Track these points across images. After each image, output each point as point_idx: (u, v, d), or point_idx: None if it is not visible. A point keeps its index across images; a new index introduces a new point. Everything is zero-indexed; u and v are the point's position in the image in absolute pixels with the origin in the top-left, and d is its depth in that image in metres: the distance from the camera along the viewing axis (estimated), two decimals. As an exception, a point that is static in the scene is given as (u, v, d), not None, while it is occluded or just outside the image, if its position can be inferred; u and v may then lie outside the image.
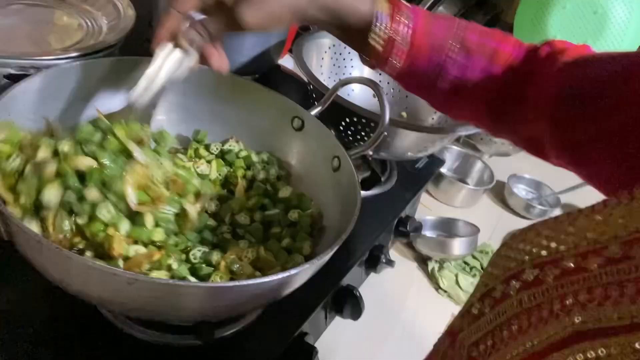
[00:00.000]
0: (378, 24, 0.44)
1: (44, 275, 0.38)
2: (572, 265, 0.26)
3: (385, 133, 0.57)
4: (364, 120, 0.68)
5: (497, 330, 0.27)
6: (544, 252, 0.28)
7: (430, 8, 1.12)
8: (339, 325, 0.69)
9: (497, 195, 1.11)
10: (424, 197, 1.02)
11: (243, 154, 0.63)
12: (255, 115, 0.64)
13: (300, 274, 0.39)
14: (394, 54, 0.45)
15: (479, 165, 1.10)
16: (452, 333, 0.31)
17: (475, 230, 0.89)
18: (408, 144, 0.73)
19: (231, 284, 0.35)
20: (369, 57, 0.47)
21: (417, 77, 0.47)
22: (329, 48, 0.88)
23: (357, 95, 0.88)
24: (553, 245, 0.28)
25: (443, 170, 1.03)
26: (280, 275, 0.36)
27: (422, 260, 0.87)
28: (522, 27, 0.90)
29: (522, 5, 0.90)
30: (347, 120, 0.70)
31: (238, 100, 0.65)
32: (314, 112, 0.61)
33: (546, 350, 0.23)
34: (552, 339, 0.24)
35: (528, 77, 0.45)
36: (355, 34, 0.46)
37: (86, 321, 0.47)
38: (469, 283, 0.81)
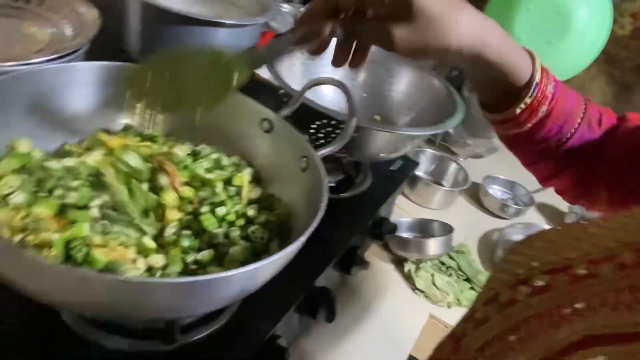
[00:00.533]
0: (531, 92, 0.44)
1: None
2: (584, 272, 0.26)
3: (356, 134, 0.57)
4: (333, 122, 0.68)
5: (504, 335, 0.26)
6: (553, 259, 0.28)
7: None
8: (315, 329, 0.69)
9: (472, 196, 1.12)
10: (401, 200, 1.03)
11: (214, 156, 0.63)
12: (224, 118, 0.64)
13: (263, 269, 0.39)
14: (528, 119, 0.46)
15: (453, 167, 1.11)
16: (454, 338, 0.30)
17: (450, 229, 0.90)
18: (379, 145, 0.73)
19: (183, 280, 0.33)
20: (497, 111, 0.47)
21: (534, 141, 0.48)
22: (301, 53, 0.89)
23: (333, 99, 0.89)
24: (563, 252, 0.28)
25: (419, 173, 1.03)
26: (241, 270, 0.36)
27: (399, 262, 0.87)
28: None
29: (489, 8, 0.91)
30: (318, 122, 0.70)
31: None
32: (283, 113, 0.61)
33: (555, 355, 0.23)
34: (562, 343, 0.23)
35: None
36: (499, 91, 0.46)
37: (47, 328, 0.46)
38: (445, 282, 0.82)
